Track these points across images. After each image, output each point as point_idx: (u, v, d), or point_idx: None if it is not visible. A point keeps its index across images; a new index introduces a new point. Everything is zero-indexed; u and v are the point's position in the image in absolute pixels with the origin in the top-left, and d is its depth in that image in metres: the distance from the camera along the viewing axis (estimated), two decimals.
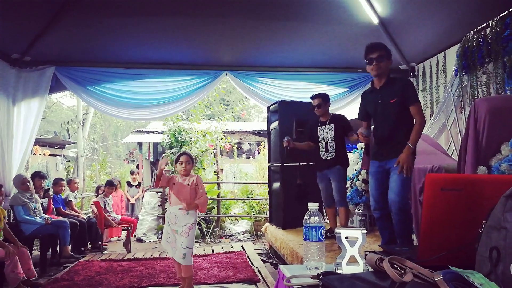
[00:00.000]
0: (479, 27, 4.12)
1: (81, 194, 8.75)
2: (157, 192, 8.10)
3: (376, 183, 3.05)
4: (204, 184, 3.97)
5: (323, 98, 4.10)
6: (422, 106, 5.13)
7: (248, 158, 12.98)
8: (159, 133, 10.63)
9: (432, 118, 5.07)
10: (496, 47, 3.78)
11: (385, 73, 2.98)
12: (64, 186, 6.07)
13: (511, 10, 3.70)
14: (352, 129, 3.97)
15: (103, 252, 5.67)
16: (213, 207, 7.33)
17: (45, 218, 4.93)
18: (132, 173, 8.86)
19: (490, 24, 3.93)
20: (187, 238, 3.29)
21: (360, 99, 3.33)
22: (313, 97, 4.14)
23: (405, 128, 2.91)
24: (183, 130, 7.38)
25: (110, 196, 6.57)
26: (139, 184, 8.63)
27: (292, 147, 4.09)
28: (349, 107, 5.80)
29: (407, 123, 2.91)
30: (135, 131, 13.24)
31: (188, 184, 3.42)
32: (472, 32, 4.20)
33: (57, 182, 5.94)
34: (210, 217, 7.10)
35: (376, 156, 3.08)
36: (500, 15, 3.80)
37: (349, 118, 4.21)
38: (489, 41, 3.91)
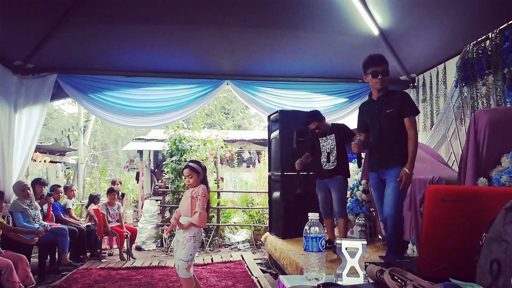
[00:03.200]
0: (478, 39, 4.15)
1: (80, 202, 8.69)
2: (156, 200, 8.06)
3: (377, 193, 3.09)
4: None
5: (317, 119, 4.06)
6: (422, 117, 5.22)
7: (248, 167, 12.96)
8: (159, 141, 10.63)
9: (432, 129, 5.08)
10: (496, 59, 3.80)
11: (386, 86, 3.00)
12: (61, 193, 6.04)
13: (511, 22, 3.73)
14: (354, 134, 3.92)
15: (102, 260, 5.63)
16: (213, 216, 7.31)
17: (44, 225, 4.91)
18: (113, 182, 7.97)
19: (490, 36, 3.96)
20: (183, 250, 3.16)
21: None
22: (307, 123, 4.09)
23: (399, 139, 2.91)
24: (184, 138, 7.39)
25: (117, 203, 6.13)
26: (123, 195, 7.80)
27: (302, 166, 4.11)
28: (349, 117, 5.82)
29: (402, 134, 2.91)
30: (136, 139, 13.24)
31: (191, 196, 3.28)
32: (472, 44, 4.24)
33: (54, 188, 5.91)
34: (210, 226, 7.07)
35: (372, 167, 3.10)
36: (500, 28, 3.84)
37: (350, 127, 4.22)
38: (489, 53, 3.94)
